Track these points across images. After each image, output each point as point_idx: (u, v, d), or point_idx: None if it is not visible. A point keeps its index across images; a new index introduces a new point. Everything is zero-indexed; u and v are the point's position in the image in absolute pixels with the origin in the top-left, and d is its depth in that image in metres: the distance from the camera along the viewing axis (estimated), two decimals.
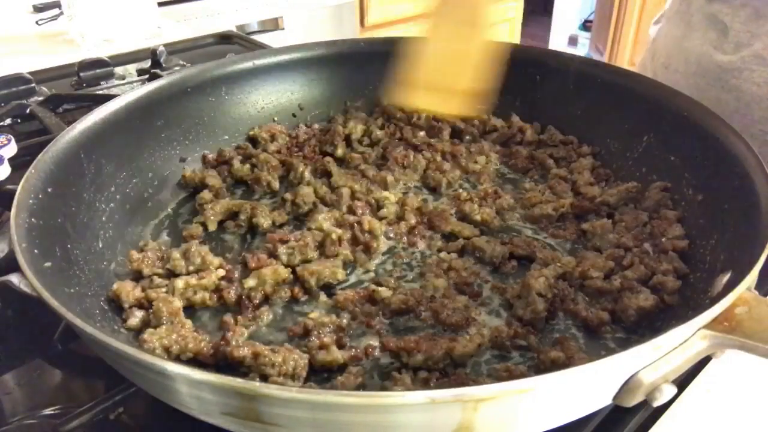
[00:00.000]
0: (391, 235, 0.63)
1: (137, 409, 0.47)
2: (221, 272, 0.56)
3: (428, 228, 0.64)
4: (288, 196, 0.67)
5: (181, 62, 1.14)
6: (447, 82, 0.67)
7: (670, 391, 0.36)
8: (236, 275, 0.57)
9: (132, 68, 1.16)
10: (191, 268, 0.57)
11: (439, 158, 0.74)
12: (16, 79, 1.02)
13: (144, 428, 0.48)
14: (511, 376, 0.44)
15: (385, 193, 0.67)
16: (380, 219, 0.64)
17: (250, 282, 0.54)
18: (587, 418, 0.43)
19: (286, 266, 0.57)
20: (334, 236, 0.59)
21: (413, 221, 0.64)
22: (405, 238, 0.62)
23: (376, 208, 0.66)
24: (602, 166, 0.73)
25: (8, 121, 0.94)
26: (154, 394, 0.41)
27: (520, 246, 0.59)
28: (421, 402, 0.32)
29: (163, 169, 0.71)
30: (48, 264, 0.46)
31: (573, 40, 3.99)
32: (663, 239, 0.58)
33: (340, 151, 0.76)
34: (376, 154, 0.77)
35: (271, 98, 0.83)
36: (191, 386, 0.35)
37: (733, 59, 0.67)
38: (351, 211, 0.65)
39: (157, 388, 0.40)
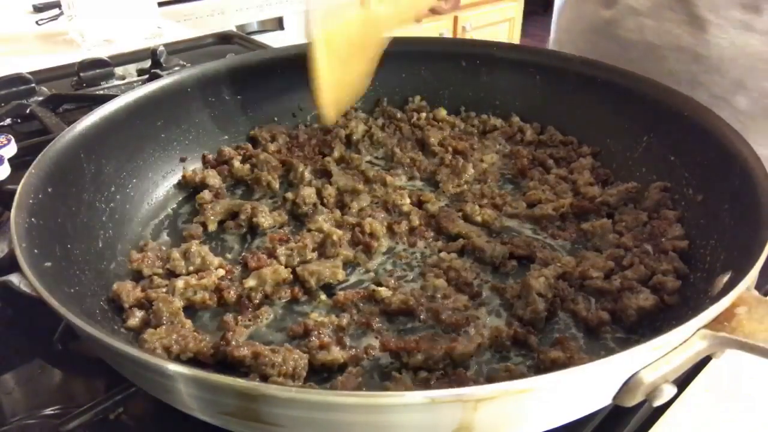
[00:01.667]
0: (392, 236, 0.63)
1: (137, 409, 0.47)
2: (221, 272, 0.56)
3: (435, 230, 0.64)
4: (289, 195, 0.67)
5: (181, 62, 1.14)
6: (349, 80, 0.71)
7: (670, 391, 0.36)
8: (236, 275, 0.57)
9: (132, 68, 1.16)
10: (191, 268, 0.57)
11: (449, 157, 0.74)
12: (16, 79, 1.02)
13: (144, 428, 0.48)
14: (511, 376, 0.44)
15: (401, 200, 0.66)
16: (391, 225, 0.63)
17: (250, 282, 0.54)
18: (587, 418, 0.43)
19: (286, 266, 0.57)
20: (335, 237, 0.59)
21: (417, 222, 0.64)
22: (405, 238, 0.62)
23: (392, 209, 0.66)
24: (602, 166, 0.73)
25: (8, 121, 0.94)
26: (154, 394, 0.41)
27: (520, 246, 0.59)
28: (421, 402, 0.32)
29: (163, 169, 0.71)
30: (48, 264, 0.46)
31: None
32: (663, 239, 0.58)
33: (338, 153, 0.76)
34: (384, 152, 0.78)
35: (271, 98, 0.83)
36: (191, 386, 0.35)
37: (613, 12, 0.79)
38: (359, 215, 0.65)
39: (157, 388, 0.40)
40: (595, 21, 0.83)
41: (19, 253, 0.44)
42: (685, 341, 0.37)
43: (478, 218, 0.64)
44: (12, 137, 0.79)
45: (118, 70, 1.14)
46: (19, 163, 0.75)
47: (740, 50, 0.69)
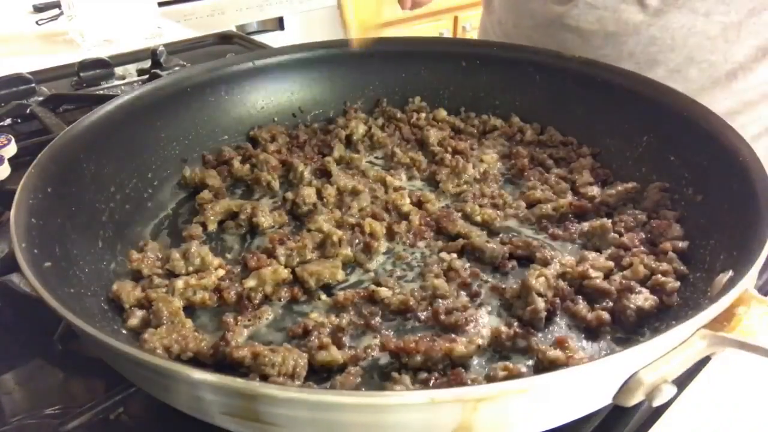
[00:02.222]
0: (392, 236, 0.63)
1: (137, 409, 0.47)
2: (221, 272, 0.56)
3: (435, 230, 0.64)
4: (289, 195, 0.67)
5: (181, 62, 1.14)
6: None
7: (670, 391, 0.36)
8: (236, 275, 0.57)
9: (132, 68, 1.16)
10: (191, 268, 0.57)
11: (449, 157, 0.74)
12: (16, 79, 1.02)
13: (144, 428, 0.48)
14: (510, 376, 0.44)
15: (401, 200, 0.66)
16: (391, 225, 0.63)
17: (250, 282, 0.54)
18: (587, 418, 0.43)
19: (286, 267, 0.57)
20: (335, 238, 0.59)
21: (417, 222, 0.64)
22: (405, 238, 0.62)
23: (392, 210, 0.66)
24: (602, 166, 0.73)
25: (8, 121, 0.94)
26: (154, 394, 0.41)
27: (520, 246, 0.59)
28: (420, 402, 0.32)
29: (163, 169, 0.71)
30: (48, 264, 0.46)
31: None
32: (662, 239, 0.58)
33: (338, 153, 0.76)
34: (384, 152, 0.78)
35: (270, 98, 0.83)
36: (191, 386, 0.35)
37: (568, 7, 0.86)
38: (359, 215, 0.65)
39: (157, 388, 0.40)
40: (549, 15, 0.89)
41: (19, 253, 0.44)
42: (684, 341, 0.37)
43: (478, 218, 0.64)
44: (12, 137, 0.79)
45: (118, 70, 1.14)
46: (19, 163, 0.75)
47: (688, 30, 0.79)
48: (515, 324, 0.50)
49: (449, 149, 0.76)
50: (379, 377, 0.47)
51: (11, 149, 0.78)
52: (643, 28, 0.81)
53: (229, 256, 0.61)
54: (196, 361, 0.47)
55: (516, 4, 0.96)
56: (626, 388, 0.36)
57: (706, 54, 0.80)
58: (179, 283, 0.53)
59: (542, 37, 0.90)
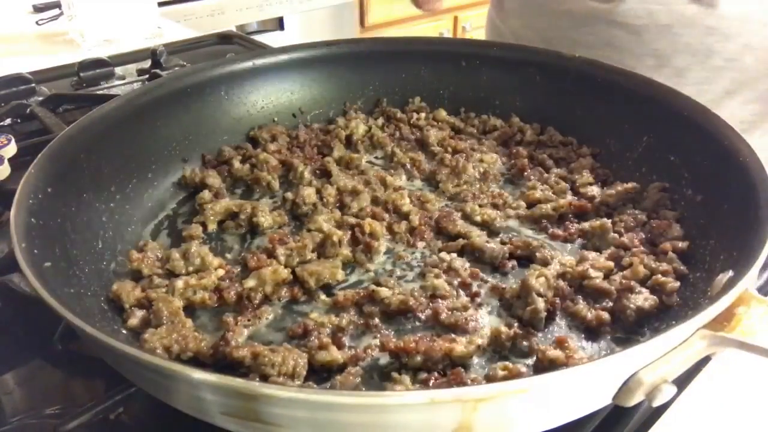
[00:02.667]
0: (392, 236, 0.63)
1: (137, 409, 0.47)
2: (221, 272, 0.56)
3: (435, 230, 0.64)
4: (289, 195, 0.67)
5: (181, 62, 1.14)
6: None
7: (670, 391, 0.36)
8: (236, 275, 0.57)
9: (132, 68, 1.16)
10: (191, 268, 0.57)
11: (449, 157, 0.74)
12: (16, 79, 1.02)
13: (144, 428, 0.48)
14: (510, 376, 0.44)
15: (401, 200, 0.66)
16: (391, 225, 0.63)
17: (250, 282, 0.54)
18: (587, 418, 0.43)
19: (286, 267, 0.57)
20: (335, 238, 0.59)
21: (417, 222, 0.64)
22: (405, 238, 0.62)
23: (392, 210, 0.66)
24: (602, 166, 0.72)
25: (8, 121, 0.94)
26: (154, 394, 0.41)
27: (519, 246, 0.59)
28: (420, 402, 0.32)
29: (163, 169, 0.71)
30: (48, 264, 0.46)
31: None
32: (662, 239, 0.58)
33: (338, 153, 0.76)
34: (384, 152, 0.78)
35: (271, 98, 0.83)
36: (191, 386, 0.35)
37: (615, 4, 0.84)
38: (359, 215, 0.65)
39: (157, 388, 0.40)
40: (591, 13, 0.88)
41: (19, 253, 0.44)
42: (684, 341, 0.37)
43: (478, 218, 0.64)
44: (12, 137, 0.79)
45: (118, 70, 1.14)
46: (19, 163, 0.75)
47: (745, 17, 0.80)
48: (515, 324, 0.50)
49: (449, 149, 0.76)
50: (379, 377, 0.47)
51: (11, 149, 0.78)
52: (698, 18, 0.81)
53: (229, 256, 0.61)
54: (196, 361, 0.47)
55: (544, 5, 0.95)
56: (626, 388, 0.36)
57: (762, 41, 0.81)
58: (179, 283, 0.53)
59: (584, 37, 0.90)
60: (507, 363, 0.46)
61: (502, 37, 1.06)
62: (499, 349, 0.49)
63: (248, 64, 0.80)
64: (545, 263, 0.57)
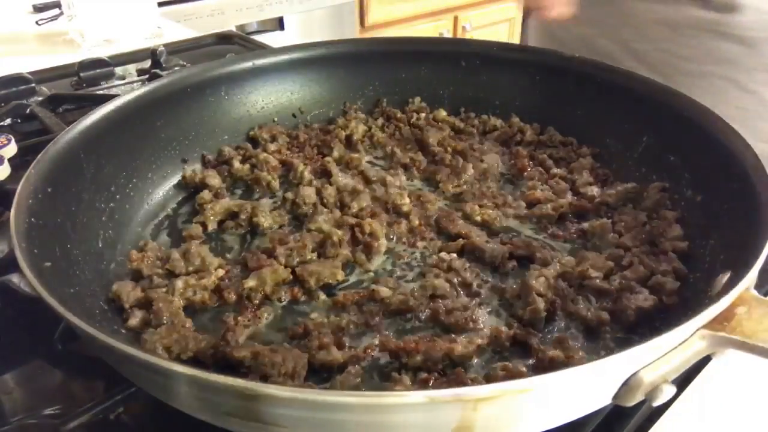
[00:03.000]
0: (392, 236, 0.63)
1: (137, 409, 0.47)
2: (221, 272, 0.56)
3: (435, 230, 0.64)
4: (289, 195, 0.67)
5: (181, 62, 1.14)
6: None
7: (669, 391, 0.36)
8: (236, 275, 0.57)
9: (132, 68, 1.16)
10: (191, 268, 0.57)
11: (449, 157, 0.74)
12: (16, 79, 1.02)
13: (144, 428, 0.48)
14: (510, 375, 0.44)
15: (401, 200, 0.66)
16: (391, 225, 0.63)
17: (250, 282, 0.54)
18: (587, 418, 0.42)
19: (286, 267, 0.57)
20: (335, 238, 0.59)
21: (417, 222, 0.64)
22: (405, 238, 0.62)
23: (392, 210, 0.66)
24: (602, 166, 0.73)
25: (8, 121, 0.93)
26: (154, 394, 0.41)
27: (520, 246, 0.59)
28: (420, 402, 0.32)
29: (163, 169, 0.71)
30: (48, 264, 0.46)
31: None
32: (662, 240, 0.58)
33: (338, 153, 0.76)
34: (384, 152, 0.78)
35: (271, 98, 0.83)
36: (191, 386, 0.35)
37: (731, 15, 0.79)
38: (359, 215, 0.65)
39: (157, 388, 0.40)
40: (695, 23, 0.83)
41: (19, 253, 0.44)
42: (684, 341, 0.37)
43: (478, 218, 0.64)
44: (12, 137, 0.79)
45: (118, 70, 1.14)
46: (19, 163, 0.75)
47: None
48: (515, 324, 0.50)
49: (449, 149, 0.76)
50: (379, 377, 0.47)
51: (11, 149, 0.78)
52: None
53: (229, 256, 0.61)
54: (196, 361, 0.47)
55: (631, 14, 0.89)
56: (626, 388, 0.36)
57: None
58: (179, 283, 0.53)
59: (681, 48, 0.84)
60: (507, 363, 0.46)
61: (564, 46, 0.97)
62: (499, 349, 0.49)
63: (248, 64, 0.80)
64: (545, 263, 0.57)
